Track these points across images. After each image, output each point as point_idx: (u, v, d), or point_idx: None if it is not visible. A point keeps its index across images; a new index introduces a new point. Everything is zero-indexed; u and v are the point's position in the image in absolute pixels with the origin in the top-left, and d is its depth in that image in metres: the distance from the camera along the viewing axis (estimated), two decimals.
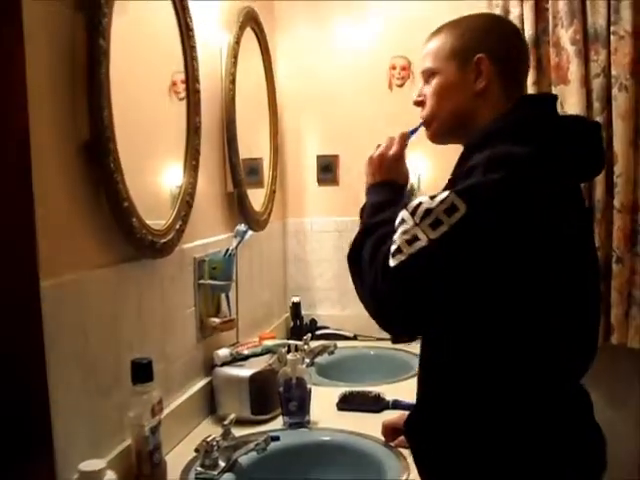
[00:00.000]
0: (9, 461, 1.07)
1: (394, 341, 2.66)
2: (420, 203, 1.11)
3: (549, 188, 1.14)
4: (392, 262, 1.09)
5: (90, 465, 1.25)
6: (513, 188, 1.08)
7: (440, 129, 1.36)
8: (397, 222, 1.13)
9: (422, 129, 1.39)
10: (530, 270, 1.11)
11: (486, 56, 1.27)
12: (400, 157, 1.39)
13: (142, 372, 1.45)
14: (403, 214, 1.13)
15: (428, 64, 1.35)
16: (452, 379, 1.24)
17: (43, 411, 1.15)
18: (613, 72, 2.60)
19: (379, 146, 1.41)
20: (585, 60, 2.63)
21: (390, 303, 1.11)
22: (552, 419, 1.19)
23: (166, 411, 1.62)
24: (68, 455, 1.27)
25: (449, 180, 1.27)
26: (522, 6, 2.69)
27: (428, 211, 1.09)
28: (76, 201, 1.36)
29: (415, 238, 1.08)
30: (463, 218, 1.06)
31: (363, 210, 1.34)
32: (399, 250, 1.09)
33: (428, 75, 1.35)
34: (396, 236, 1.11)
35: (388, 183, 1.36)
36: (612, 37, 2.58)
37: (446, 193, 1.09)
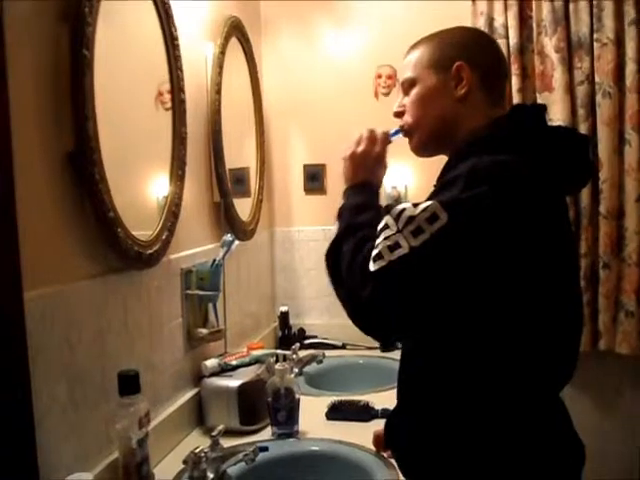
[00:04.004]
0: None
1: (383, 349, 2.66)
2: (404, 209, 1.12)
3: (534, 198, 1.14)
4: (372, 267, 1.09)
5: (77, 478, 1.24)
6: (495, 202, 1.08)
7: (423, 138, 1.34)
8: (380, 226, 1.13)
9: (400, 136, 1.38)
10: (510, 280, 1.12)
11: (465, 63, 1.28)
12: (383, 158, 1.39)
13: (129, 384, 1.44)
14: (387, 219, 1.13)
15: (407, 74, 1.34)
16: (430, 384, 1.24)
17: (27, 424, 1.14)
18: (597, 79, 2.62)
19: (359, 141, 1.39)
20: (569, 67, 2.66)
21: (368, 307, 1.11)
22: (531, 427, 1.19)
23: (154, 423, 1.61)
24: (53, 469, 1.26)
25: (434, 186, 1.27)
26: (506, 15, 2.70)
27: (411, 218, 1.09)
28: (60, 212, 1.36)
29: (397, 245, 1.08)
30: (443, 227, 1.06)
31: (342, 211, 1.32)
32: (380, 256, 1.09)
33: (408, 85, 1.34)
34: (378, 241, 1.11)
35: (368, 183, 1.35)
36: (595, 44, 2.61)
37: (429, 202, 1.10)
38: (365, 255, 1.13)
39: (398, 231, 1.09)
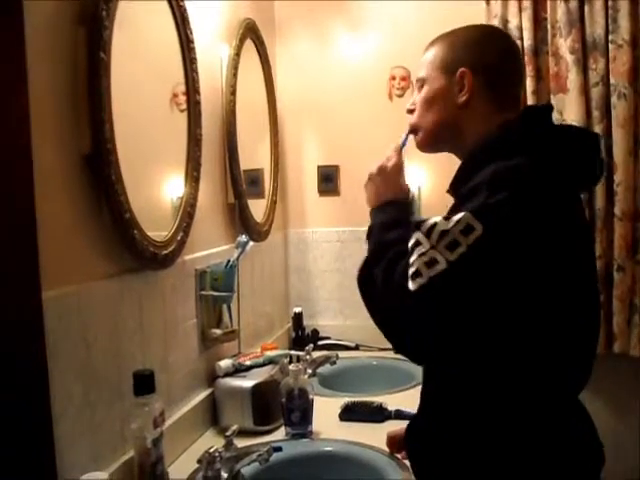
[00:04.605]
0: (11, 473, 1.06)
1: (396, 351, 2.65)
2: (435, 224, 1.10)
3: (554, 199, 1.14)
4: (412, 285, 1.07)
5: (92, 477, 1.25)
6: (523, 205, 1.09)
7: (426, 138, 1.36)
8: (411, 243, 1.12)
9: (411, 137, 1.39)
10: (542, 284, 1.12)
11: (470, 70, 1.28)
12: (400, 168, 1.38)
13: (144, 384, 1.45)
14: (418, 236, 1.11)
15: (420, 73, 1.36)
16: (458, 390, 1.24)
17: (45, 423, 1.15)
18: (612, 80, 2.61)
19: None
20: (584, 69, 2.64)
21: (411, 327, 1.09)
22: (550, 431, 1.18)
23: (168, 422, 1.62)
24: (70, 467, 1.27)
25: (453, 196, 1.26)
26: (520, 16, 2.70)
27: (444, 232, 1.08)
28: (78, 213, 1.37)
29: (434, 261, 1.06)
30: (480, 238, 1.05)
31: (369, 231, 1.32)
32: (418, 273, 1.07)
33: (420, 84, 1.37)
34: (413, 258, 1.09)
35: (393, 201, 1.33)
36: (610, 46, 2.59)
37: (461, 214, 1.08)
38: (401, 274, 1.11)
39: (432, 247, 1.08)
